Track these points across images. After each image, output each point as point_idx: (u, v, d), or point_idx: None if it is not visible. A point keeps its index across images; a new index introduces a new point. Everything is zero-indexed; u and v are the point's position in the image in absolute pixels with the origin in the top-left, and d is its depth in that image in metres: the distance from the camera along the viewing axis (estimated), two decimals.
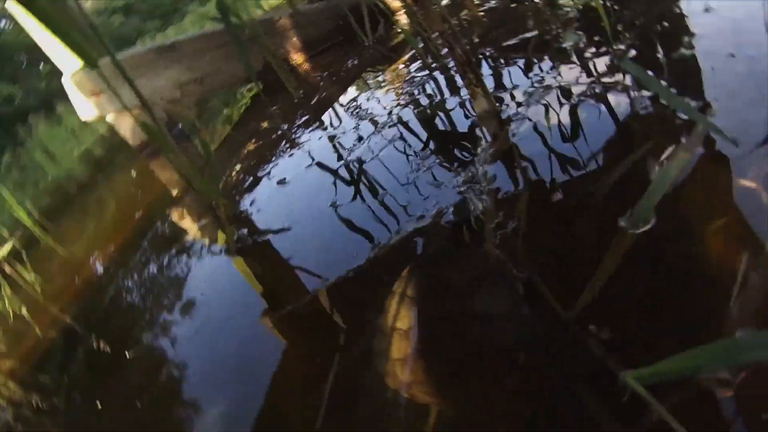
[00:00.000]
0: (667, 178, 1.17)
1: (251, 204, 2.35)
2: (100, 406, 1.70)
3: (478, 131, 1.81)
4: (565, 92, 1.75)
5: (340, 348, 1.30)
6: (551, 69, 1.93)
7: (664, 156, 1.30)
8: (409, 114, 2.23)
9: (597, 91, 1.67)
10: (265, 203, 2.31)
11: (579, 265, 1.18)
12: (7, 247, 4.12)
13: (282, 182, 2.37)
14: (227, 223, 2.12)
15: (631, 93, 1.61)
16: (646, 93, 1.57)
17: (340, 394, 1.19)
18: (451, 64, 2.46)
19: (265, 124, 3.32)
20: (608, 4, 2.18)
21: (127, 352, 1.88)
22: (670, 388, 0.87)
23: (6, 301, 2.74)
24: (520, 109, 1.78)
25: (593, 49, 1.91)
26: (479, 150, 1.69)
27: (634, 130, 1.47)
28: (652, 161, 1.31)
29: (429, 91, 2.36)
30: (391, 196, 1.77)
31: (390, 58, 3.14)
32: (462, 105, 2.06)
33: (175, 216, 2.82)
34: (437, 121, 2.08)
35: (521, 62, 2.11)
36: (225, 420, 1.36)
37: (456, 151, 1.78)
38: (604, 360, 0.97)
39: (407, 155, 1.93)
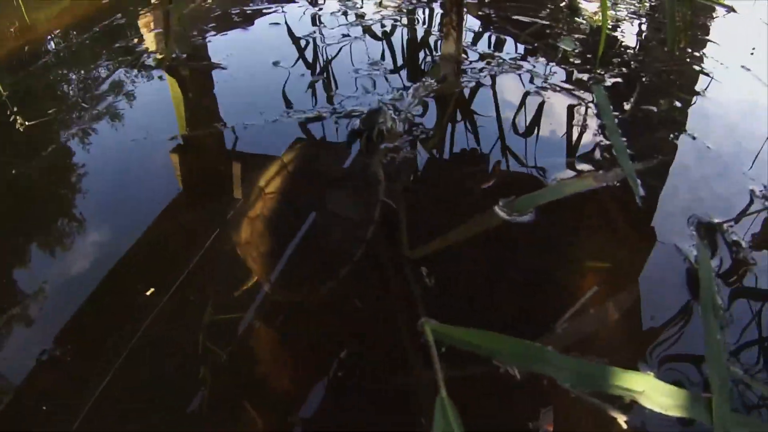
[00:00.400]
0: (560, 190, 1.17)
1: (204, 31, 2.24)
2: None
3: (433, 69, 1.77)
4: (529, 79, 1.72)
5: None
6: (531, 56, 1.89)
7: (573, 174, 1.29)
8: (386, 25, 2.16)
9: (556, 92, 1.65)
10: (217, 37, 2.20)
11: (443, 222, 1.17)
12: None
13: (245, 27, 2.27)
14: (172, 37, 2.00)
15: (585, 111, 1.60)
16: (596, 120, 1.56)
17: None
18: None
19: None
20: (622, 41, 2.14)
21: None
22: (465, 359, 0.86)
23: None
24: (481, 73, 1.74)
25: (578, 61, 1.88)
26: (423, 81, 1.65)
27: (565, 140, 1.47)
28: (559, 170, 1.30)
29: (418, 15, 2.28)
30: (326, 79, 1.73)
31: None
32: (435, 42, 2.02)
33: (139, 16, 2.64)
34: (405, 42, 2.02)
35: (509, 36, 2.06)
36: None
37: (404, 74, 1.74)
38: (417, 299, 0.97)
39: (363, 57, 1.88)
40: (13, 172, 1.46)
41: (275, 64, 1.90)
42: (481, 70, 1.76)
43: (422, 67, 1.84)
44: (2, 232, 1.28)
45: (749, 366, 0.90)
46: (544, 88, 1.67)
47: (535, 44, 2.00)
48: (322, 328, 0.97)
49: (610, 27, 2.19)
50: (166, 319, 0.99)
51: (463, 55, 1.82)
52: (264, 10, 2.43)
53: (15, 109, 1.80)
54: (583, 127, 1.53)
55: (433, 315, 0.94)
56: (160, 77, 1.92)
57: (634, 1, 2.47)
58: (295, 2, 2.48)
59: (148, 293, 1.04)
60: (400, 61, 1.87)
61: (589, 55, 1.94)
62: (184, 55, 2.04)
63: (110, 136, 1.61)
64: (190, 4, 2.59)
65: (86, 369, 0.92)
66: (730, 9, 2.33)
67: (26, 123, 1.72)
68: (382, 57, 1.88)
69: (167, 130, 1.58)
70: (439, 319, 0.92)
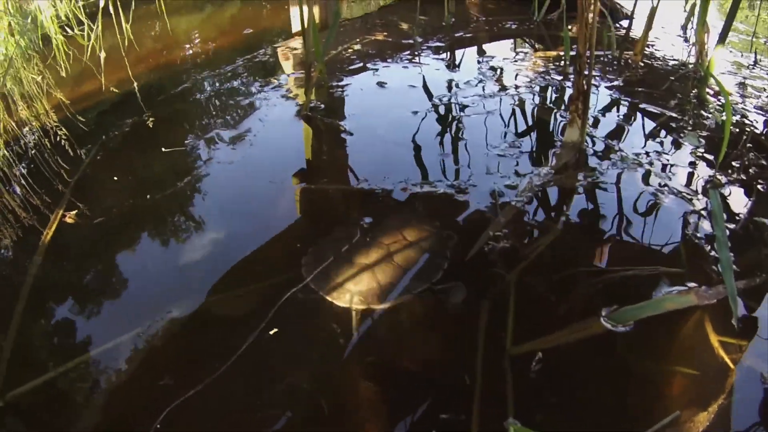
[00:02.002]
0: (662, 305, 1.28)
1: (342, 84, 2.48)
2: (115, 178, 1.91)
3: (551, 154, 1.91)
4: (648, 178, 1.81)
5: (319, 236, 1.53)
6: (654, 152, 1.98)
7: (678, 287, 1.39)
8: (522, 102, 2.31)
9: (672, 196, 1.73)
10: (355, 92, 2.43)
11: (545, 320, 1.31)
12: None
13: (382, 85, 2.49)
14: (311, 87, 2.25)
15: (698, 219, 1.67)
16: (708, 227, 1.63)
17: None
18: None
19: (403, 26, 3.37)
20: (745, 138, 2.18)
21: (163, 148, 2.08)
22: None
23: (92, 37, 2.88)
24: (600, 166, 1.85)
25: (699, 161, 1.95)
26: (541, 171, 1.79)
27: (674, 247, 1.55)
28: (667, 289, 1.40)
29: (551, 93, 2.41)
30: (453, 153, 1.91)
31: (545, 40, 3.16)
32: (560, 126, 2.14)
33: (280, 52, 2.95)
34: (531, 120, 2.16)
35: (634, 127, 2.15)
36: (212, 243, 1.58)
37: (525, 155, 1.89)
38: (508, 396, 1.12)
39: (490, 131, 2.04)
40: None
41: (410, 129, 2.10)
42: (601, 162, 1.87)
43: (544, 151, 1.97)
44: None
45: None
46: (661, 190, 1.76)
47: (660, 139, 2.08)
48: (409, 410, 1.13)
49: (734, 123, 2.22)
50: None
51: (587, 142, 1.93)
52: (403, 67, 2.65)
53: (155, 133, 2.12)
54: (694, 235, 1.61)
55: (523, 414, 1.08)
56: (296, 125, 2.17)
57: (762, 94, 2.48)
58: (427, 65, 2.69)
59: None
60: (523, 142, 2.01)
61: (710, 156, 2.00)
62: (322, 106, 2.28)
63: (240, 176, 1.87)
64: (331, 52, 2.85)
65: None
66: None
67: (163, 149, 2.02)
68: (504, 136, 2.03)
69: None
70: (528, 418, 1.06)
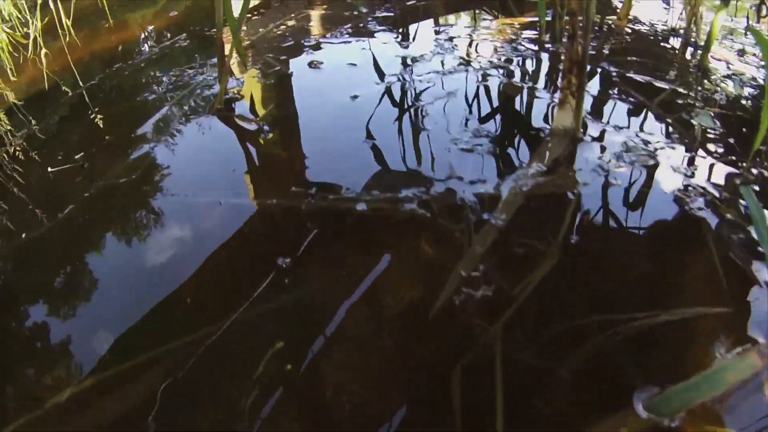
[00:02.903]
0: (722, 379, 0.83)
1: (269, 69, 1.98)
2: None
3: (540, 145, 1.44)
4: (664, 175, 1.37)
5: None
6: (665, 137, 1.54)
7: (733, 349, 0.94)
8: (490, 80, 1.84)
9: (698, 198, 1.30)
10: (284, 77, 1.94)
11: (546, 406, 0.85)
12: None
13: (317, 65, 1.99)
14: (225, 75, 1.74)
15: (731, 227, 1.24)
16: (740, 233, 1.20)
17: None
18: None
19: None
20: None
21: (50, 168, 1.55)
22: None
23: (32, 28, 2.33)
24: (602, 159, 1.40)
25: (719, 149, 1.51)
26: (526, 171, 1.33)
27: (712, 277, 1.11)
28: (716, 345, 0.95)
29: (526, 67, 1.95)
30: (407, 151, 1.43)
31: (509, 8, 2.69)
32: (547, 106, 1.68)
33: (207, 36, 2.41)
34: (509, 103, 1.69)
35: (634, 105, 1.71)
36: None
37: (505, 152, 1.42)
38: None
39: (459, 119, 1.57)
40: None
41: (348, 117, 1.64)
42: (602, 155, 1.42)
43: (525, 142, 1.51)
44: None
45: None
46: (684, 191, 1.32)
47: (667, 119, 1.64)
48: None
49: (747, 96, 1.81)
50: None
51: (581, 129, 1.48)
52: (344, 42, 2.16)
53: None
54: (731, 249, 1.17)
55: None
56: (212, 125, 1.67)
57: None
58: (373, 38, 2.20)
59: None
60: (496, 132, 1.55)
61: (730, 139, 1.58)
62: (242, 98, 1.79)
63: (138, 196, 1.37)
64: (259, 30, 2.35)
65: None
66: None
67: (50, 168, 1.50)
68: (467, 124, 1.56)
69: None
70: None
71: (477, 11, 2.69)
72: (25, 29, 2.35)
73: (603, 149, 1.44)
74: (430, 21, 2.49)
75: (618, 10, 2.40)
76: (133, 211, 1.35)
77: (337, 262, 1.13)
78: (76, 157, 1.57)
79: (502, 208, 1.19)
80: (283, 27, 2.40)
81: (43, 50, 2.27)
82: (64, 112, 1.85)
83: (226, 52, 1.70)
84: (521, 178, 1.29)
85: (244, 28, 2.44)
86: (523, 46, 2.11)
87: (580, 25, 1.31)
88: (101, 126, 1.74)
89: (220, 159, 1.50)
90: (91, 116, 1.79)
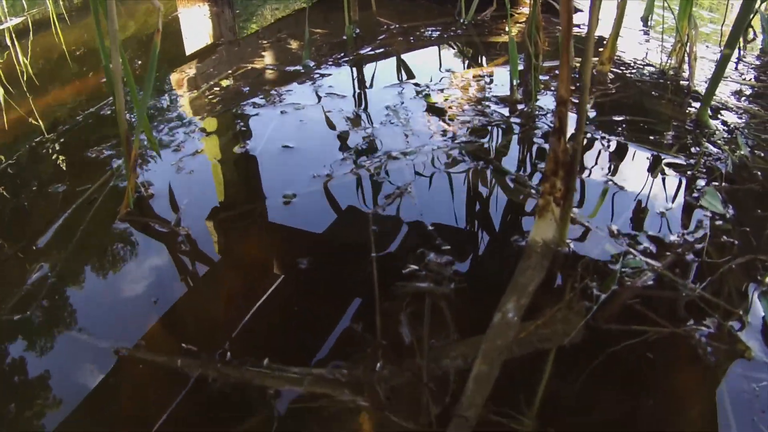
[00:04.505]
0: None
1: (189, 150, 1.66)
2: None
3: (515, 273, 1.11)
4: (680, 301, 1.06)
5: None
6: (668, 228, 1.24)
7: None
8: (451, 168, 1.53)
9: (719, 346, 0.99)
10: (202, 165, 1.61)
11: None
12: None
13: (243, 146, 1.67)
14: (133, 167, 1.40)
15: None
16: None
17: None
18: (545, 119, 1.74)
19: (293, 45, 2.55)
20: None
21: None
22: None
23: None
24: (591, 280, 1.09)
25: (734, 242, 1.22)
26: (503, 310, 1.00)
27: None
28: None
29: (494, 138, 1.64)
30: (349, 301, 1.09)
31: (474, 55, 2.39)
32: (520, 207, 1.36)
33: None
34: (474, 208, 1.37)
35: (627, 184, 1.41)
36: None
37: (475, 293, 1.09)
38: None
39: (412, 245, 1.24)
40: None
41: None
42: (596, 276, 1.11)
43: (497, 263, 1.19)
44: None
45: None
46: (697, 324, 1.01)
47: (666, 206, 1.34)
48: None
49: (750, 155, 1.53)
50: None
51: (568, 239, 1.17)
52: (282, 112, 1.85)
53: None
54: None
55: None
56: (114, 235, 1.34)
57: None
58: (317, 102, 1.89)
59: None
60: (461, 253, 1.23)
61: (745, 227, 1.28)
62: (154, 194, 1.46)
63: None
64: (189, 93, 2.03)
65: None
66: None
67: None
68: (436, 251, 1.23)
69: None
70: None
71: (441, 50, 2.39)
72: None
73: (588, 268, 1.13)
74: (386, 71, 2.18)
75: (600, 50, 2.10)
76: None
77: None
78: None
79: (472, 395, 0.86)
80: (216, 89, 2.08)
81: None
82: None
83: (132, 148, 1.37)
84: (496, 334, 0.97)
85: (175, 89, 2.13)
86: (492, 107, 1.80)
87: (567, 111, 1.01)
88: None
89: (128, 287, 1.16)
90: None
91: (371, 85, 2.05)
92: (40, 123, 1.91)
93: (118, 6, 4.09)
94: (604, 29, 2.40)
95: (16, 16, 3.36)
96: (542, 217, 1.13)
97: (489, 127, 1.68)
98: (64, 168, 1.64)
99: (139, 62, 2.46)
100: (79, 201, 1.46)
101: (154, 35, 1.33)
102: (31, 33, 3.06)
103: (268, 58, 2.41)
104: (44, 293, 1.16)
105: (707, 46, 2.50)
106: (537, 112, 1.77)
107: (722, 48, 1.65)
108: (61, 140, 1.78)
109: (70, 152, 1.71)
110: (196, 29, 3.04)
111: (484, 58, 2.30)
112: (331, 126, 1.73)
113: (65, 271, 1.22)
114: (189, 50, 2.70)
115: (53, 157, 1.69)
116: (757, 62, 2.36)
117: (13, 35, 3.02)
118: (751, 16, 2.07)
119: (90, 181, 1.53)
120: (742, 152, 1.59)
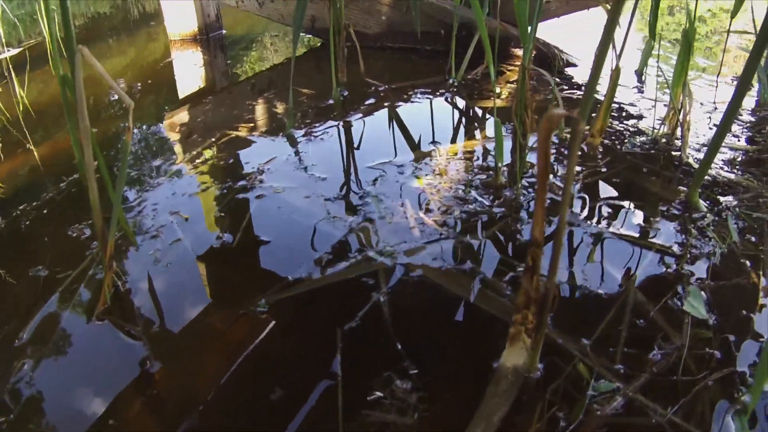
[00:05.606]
0: None
1: (168, 240, 1.63)
2: None
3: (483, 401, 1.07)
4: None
5: None
6: (645, 344, 1.20)
7: None
8: (425, 279, 1.49)
9: None
10: (175, 267, 1.58)
11: None
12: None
13: (220, 238, 1.64)
14: (109, 266, 1.38)
15: None
16: None
17: None
18: (530, 206, 1.70)
19: (279, 108, 2.54)
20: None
21: None
22: None
23: None
24: (563, 409, 1.04)
25: (715, 359, 1.17)
26: None
27: None
28: None
29: (476, 233, 1.60)
30: None
31: (462, 122, 2.36)
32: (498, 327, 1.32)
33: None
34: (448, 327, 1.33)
35: (610, 289, 1.37)
36: None
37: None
38: None
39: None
40: None
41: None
42: (564, 402, 1.06)
43: (467, 379, 1.15)
44: None
45: None
46: None
47: (651, 311, 1.30)
48: None
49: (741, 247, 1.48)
50: None
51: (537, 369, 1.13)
52: (259, 196, 1.81)
53: None
54: None
55: None
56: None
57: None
58: (292, 186, 1.85)
59: None
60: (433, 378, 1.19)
61: (727, 333, 1.24)
62: (132, 298, 1.43)
63: None
64: (172, 168, 2.01)
65: None
66: None
67: None
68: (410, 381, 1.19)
69: None
70: None
71: (428, 116, 2.37)
72: None
73: (558, 393, 1.09)
74: (371, 143, 2.15)
75: (592, 117, 2.06)
76: None
77: None
78: None
79: None
80: (199, 161, 2.06)
81: None
82: None
83: (107, 245, 1.33)
84: None
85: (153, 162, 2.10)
86: (474, 194, 1.76)
87: (540, 249, 0.97)
88: None
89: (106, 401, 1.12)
90: None
91: (354, 165, 2.01)
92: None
93: (122, 34, 4.17)
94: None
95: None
96: (513, 345, 1.09)
97: (471, 219, 1.64)
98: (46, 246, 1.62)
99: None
100: (60, 290, 1.44)
101: (125, 133, 1.30)
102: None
103: (253, 122, 2.39)
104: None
105: (701, 104, 2.46)
106: (522, 198, 1.73)
107: (716, 125, 1.61)
108: (44, 211, 1.77)
109: (52, 228, 1.69)
110: (189, 74, 3.06)
111: (473, 130, 2.27)
112: (310, 215, 1.69)
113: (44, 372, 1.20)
114: (182, 95, 2.72)
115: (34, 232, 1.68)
116: (752, 118, 2.32)
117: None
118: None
119: (71, 264, 1.52)
120: (732, 238, 1.55)
